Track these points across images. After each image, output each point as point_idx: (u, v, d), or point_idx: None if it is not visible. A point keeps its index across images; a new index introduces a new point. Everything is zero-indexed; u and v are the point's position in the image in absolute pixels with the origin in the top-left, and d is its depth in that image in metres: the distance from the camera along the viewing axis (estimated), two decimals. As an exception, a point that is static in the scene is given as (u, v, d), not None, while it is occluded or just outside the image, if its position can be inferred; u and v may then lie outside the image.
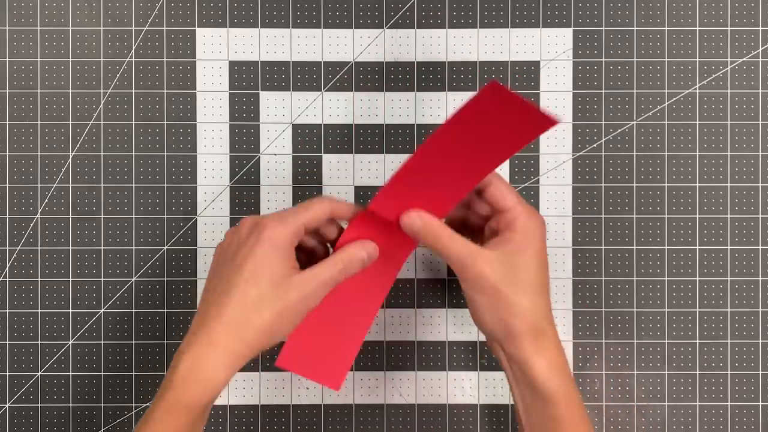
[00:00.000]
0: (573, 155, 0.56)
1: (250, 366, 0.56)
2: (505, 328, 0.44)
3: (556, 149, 0.56)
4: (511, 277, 0.44)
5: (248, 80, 0.56)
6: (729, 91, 0.56)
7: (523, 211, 0.45)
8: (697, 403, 0.56)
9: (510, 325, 0.44)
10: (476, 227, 0.49)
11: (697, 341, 0.56)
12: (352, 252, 0.45)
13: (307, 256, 0.48)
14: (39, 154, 0.56)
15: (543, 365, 0.44)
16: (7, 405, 0.55)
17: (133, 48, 0.56)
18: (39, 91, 0.56)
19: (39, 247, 0.56)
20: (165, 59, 0.56)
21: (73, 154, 0.56)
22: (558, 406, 0.44)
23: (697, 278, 0.56)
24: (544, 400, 0.44)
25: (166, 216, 0.56)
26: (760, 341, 0.56)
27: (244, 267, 0.42)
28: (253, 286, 0.42)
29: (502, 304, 0.44)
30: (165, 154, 0.56)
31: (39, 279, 0.56)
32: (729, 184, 0.56)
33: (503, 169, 0.56)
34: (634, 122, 0.56)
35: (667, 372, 0.56)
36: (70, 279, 0.56)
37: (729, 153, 0.56)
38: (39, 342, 0.56)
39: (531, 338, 0.44)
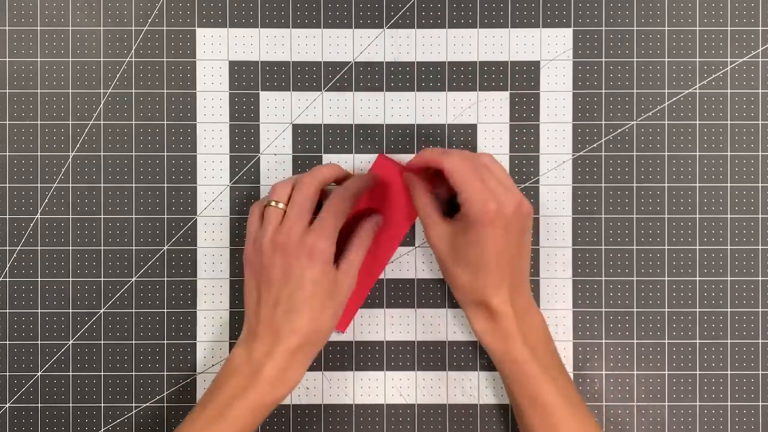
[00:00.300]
0: (573, 155, 0.56)
1: (250, 366, 0.56)
2: (455, 294, 0.52)
3: (556, 149, 0.56)
4: (454, 252, 0.50)
5: (248, 80, 0.56)
6: (729, 91, 0.56)
7: (477, 198, 0.48)
8: (697, 403, 0.56)
9: (455, 292, 0.52)
10: None
11: (697, 341, 0.56)
12: (369, 230, 0.52)
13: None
14: (39, 154, 0.56)
15: (478, 327, 0.51)
16: (7, 405, 0.55)
17: (133, 48, 0.56)
18: (39, 91, 0.56)
19: (39, 247, 0.56)
20: (165, 59, 0.56)
21: (73, 154, 0.56)
22: (500, 363, 0.50)
23: (697, 278, 0.56)
24: (492, 358, 0.51)
25: (166, 216, 0.56)
26: (760, 341, 0.56)
27: (303, 286, 0.48)
28: (315, 301, 0.48)
29: (446, 273, 0.51)
30: (165, 154, 0.56)
31: (39, 279, 0.56)
32: (729, 184, 0.56)
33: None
34: (634, 122, 0.56)
35: (667, 372, 0.56)
36: (70, 279, 0.56)
37: (729, 153, 0.56)
38: (39, 342, 0.56)
39: (471, 308, 0.51)
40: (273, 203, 0.50)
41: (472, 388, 0.56)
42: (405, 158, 0.56)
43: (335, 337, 0.56)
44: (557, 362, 0.50)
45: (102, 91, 0.56)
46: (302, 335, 0.48)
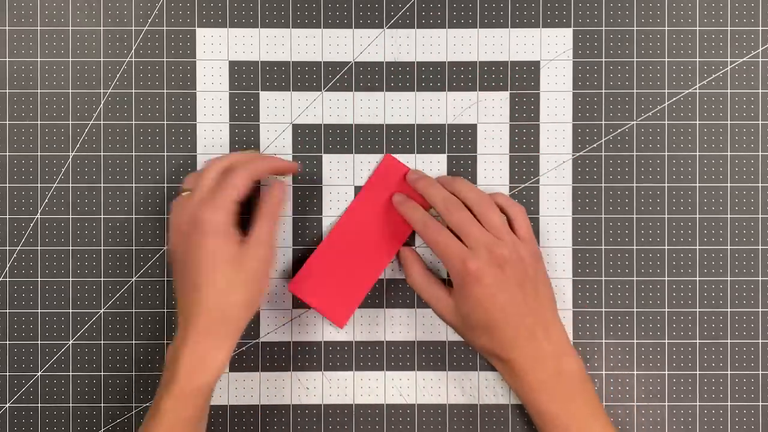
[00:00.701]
0: (573, 155, 0.56)
1: (251, 366, 0.56)
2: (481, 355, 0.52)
3: (556, 149, 0.56)
4: (463, 320, 0.50)
5: (248, 80, 0.56)
6: (729, 91, 0.56)
7: (455, 261, 0.49)
8: (697, 403, 0.56)
9: (481, 354, 0.52)
10: None
11: (697, 341, 0.56)
12: (275, 196, 0.50)
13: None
14: (39, 154, 0.56)
15: (508, 382, 0.51)
16: (7, 405, 0.55)
17: (133, 48, 0.56)
18: (39, 91, 0.56)
19: (39, 247, 0.56)
20: (165, 59, 0.56)
21: (73, 154, 0.56)
22: (532, 416, 0.50)
23: (697, 278, 0.56)
24: (528, 410, 0.51)
25: (166, 216, 0.56)
26: (760, 341, 0.56)
27: (200, 261, 0.46)
28: (216, 275, 0.46)
29: (465, 340, 0.52)
30: (165, 154, 0.56)
31: (39, 279, 0.56)
32: (729, 184, 0.56)
33: (502, 171, 0.56)
34: (634, 122, 0.56)
35: (667, 372, 0.56)
36: (70, 279, 0.56)
37: (729, 153, 0.56)
38: (39, 342, 0.56)
39: (498, 365, 0.51)
40: (185, 193, 0.50)
41: (472, 388, 0.56)
42: (405, 158, 0.56)
43: (335, 336, 0.56)
44: (593, 411, 0.49)
45: (102, 91, 0.56)
46: (211, 312, 0.46)
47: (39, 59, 0.56)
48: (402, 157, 0.56)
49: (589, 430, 0.48)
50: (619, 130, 0.56)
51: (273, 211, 0.49)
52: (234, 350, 0.49)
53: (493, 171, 0.56)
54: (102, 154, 0.56)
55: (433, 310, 0.52)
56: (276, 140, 0.56)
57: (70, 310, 0.56)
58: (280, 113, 0.56)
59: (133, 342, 0.56)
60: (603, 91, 0.56)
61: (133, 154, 0.56)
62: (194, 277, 0.46)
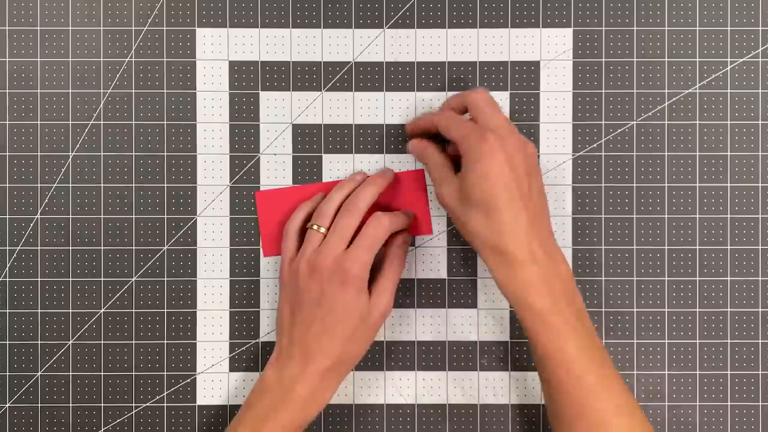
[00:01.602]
0: (573, 155, 0.56)
1: (251, 366, 0.56)
2: (472, 243, 0.49)
3: (556, 149, 0.56)
4: (463, 197, 0.49)
5: (248, 80, 0.56)
6: (729, 91, 0.56)
7: (475, 134, 0.48)
8: (697, 403, 0.56)
9: (472, 241, 0.49)
10: None
11: (697, 341, 0.56)
12: (400, 254, 0.53)
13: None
14: (39, 154, 0.56)
15: (497, 275, 0.48)
16: (7, 405, 0.55)
17: (133, 48, 0.56)
18: (39, 91, 0.56)
19: (39, 247, 0.56)
20: (165, 59, 0.56)
21: (73, 154, 0.56)
22: (520, 314, 0.48)
23: (697, 278, 0.56)
24: (513, 307, 0.49)
25: (166, 216, 0.56)
26: (760, 341, 0.56)
27: (336, 310, 0.49)
28: (347, 325, 0.49)
29: (459, 223, 0.50)
30: (165, 154, 0.56)
31: (39, 279, 0.56)
32: (729, 184, 0.56)
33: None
34: (634, 122, 0.56)
35: (667, 372, 0.56)
36: (70, 279, 0.56)
37: (729, 153, 0.56)
38: (39, 342, 0.56)
39: (488, 255, 0.48)
40: (315, 227, 0.51)
41: (472, 388, 0.56)
42: (405, 158, 0.56)
43: (335, 337, 0.56)
44: (581, 315, 0.48)
45: (102, 91, 0.56)
46: (333, 357, 0.49)
47: (39, 59, 0.56)
48: (402, 157, 0.56)
49: (577, 329, 0.47)
50: (619, 130, 0.56)
51: (399, 268, 0.52)
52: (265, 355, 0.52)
53: (493, 171, 0.56)
54: (102, 154, 0.56)
55: (438, 190, 0.50)
56: (276, 140, 0.56)
57: (70, 310, 0.56)
58: (280, 113, 0.56)
59: (133, 342, 0.56)
60: (603, 91, 0.56)
61: (133, 154, 0.56)
62: (326, 323, 0.49)
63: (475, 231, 0.48)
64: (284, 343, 0.50)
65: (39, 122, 0.56)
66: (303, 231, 0.53)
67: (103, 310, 0.56)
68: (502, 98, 0.56)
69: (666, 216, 0.56)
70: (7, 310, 0.56)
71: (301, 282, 0.50)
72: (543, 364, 0.47)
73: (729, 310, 0.56)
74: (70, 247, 0.56)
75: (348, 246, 0.50)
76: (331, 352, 0.49)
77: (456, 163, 0.51)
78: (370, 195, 0.52)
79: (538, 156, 0.56)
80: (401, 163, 0.56)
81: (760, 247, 0.56)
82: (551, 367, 0.47)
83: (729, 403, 0.56)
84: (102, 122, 0.56)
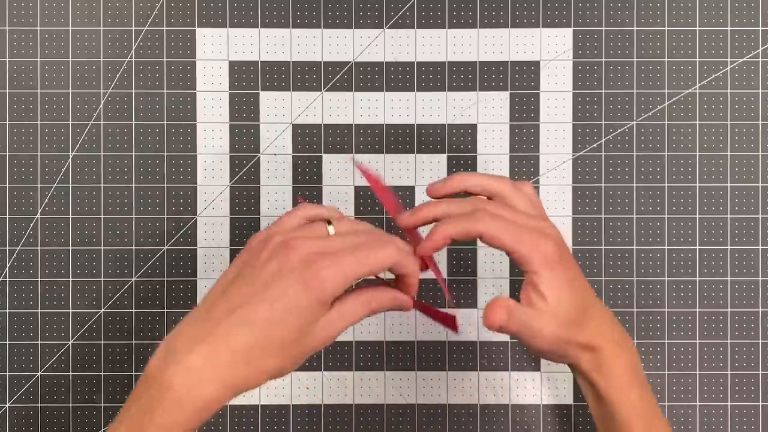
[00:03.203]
0: (573, 155, 0.56)
1: (250, 366, 0.56)
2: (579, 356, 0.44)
3: (556, 149, 0.56)
4: (566, 322, 0.42)
5: (248, 80, 0.56)
6: (729, 91, 0.56)
7: (529, 246, 0.42)
8: (697, 403, 0.56)
9: (575, 359, 0.44)
10: None
11: (697, 341, 0.56)
12: (385, 298, 0.42)
13: None
14: (39, 154, 0.56)
15: (594, 380, 0.44)
16: (7, 405, 0.55)
17: (133, 48, 0.56)
18: (39, 91, 0.56)
19: (39, 247, 0.56)
20: (165, 59, 0.56)
21: (73, 154, 0.56)
22: (622, 404, 0.44)
23: (697, 278, 0.56)
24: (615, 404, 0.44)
25: (166, 216, 0.56)
26: (760, 341, 0.56)
27: (275, 305, 0.38)
28: (279, 329, 0.39)
29: (565, 354, 0.44)
30: (165, 154, 0.56)
31: (39, 279, 0.56)
32: (729, 184, 0.56)
33: (502, 171, 0.56)
34: (634, 122, 0.56)
35: (667, 372, 0.56)
36: (70, 279, 0.56)
37: (729, 153, 0.56)
38: (39, 342, 0.56)
39: (586, 362, 0.44)
40: (327, 224, 0.42)
41: (472, 388, 0.56)
42: (405, 158, 0.56)
43: (335, 337, 0.56)
44: (652, 396, 0.45)
45: (102, 91, 0.56)
46: (237, 358, 0.38)
47: (39, 59, 0.56)
48: (402, 157, 0.56)
49: (659, 420, 0.45)
50: (619, 130, 0.56)
51: (373, 306, 0.41)
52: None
53: (493, 171, 0.56)
54: (102, 154, 0.56)
55: (528, 333, 0.42)
56: (276, 140, 0.56)
57: (70, 310, 0.56)
58: (280, 113, 0.56)
59: (133, 342, 0.56)
60: (603, 91, 0.56)
61: (133, 154, 0.56)
62: (256, 313, 0.38)
63: (580, 343, 0.43)
64: (195, 315, 0.40)
65: (39, 122, 0.56)
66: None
67: (103, 310, 0.56)
68: (502, 98, 0.56)
69: (666, 216, 0.56)
70: (7, 310, 0.56)
71: (264, 255, 0.40)
72: None
73: (729, 310, 0.56)
74: (70, 247, 0.56)
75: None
76: (240, 350, 0.38)
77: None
78: (389, 262, 0.40)
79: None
80: (401, 163, 0.56)
81: (760, 247, 0.56)
82: None
83: (729, 403, 0.56)
84: (102, 122, 0.56)
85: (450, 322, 0.44)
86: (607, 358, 0.43)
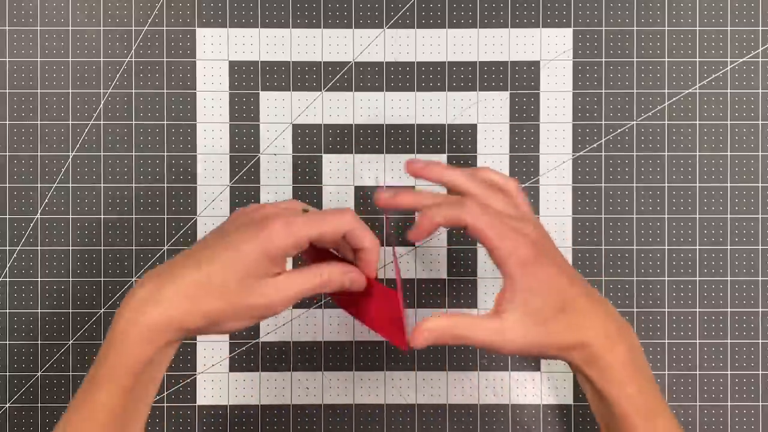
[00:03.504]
0: (573, 155, 0.56)
1: (251, 366, 0.56)
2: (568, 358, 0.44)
3: (556, 149, 0.56)
4: (537, 321, 0.42)
5: (248, 80, 0.56)
6: (729, 91, 0.56)
7: (510, 246, 0.42)
8: (697, 403, 0.56)
9: (568, 356, 0.43)
10: None
11: (697, 341, 0.56)
12: (337, 272, 0.42)
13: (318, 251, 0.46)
14: (39, 154, 0.56)
15: (588, 374, 0.43)
16: (7, 405, 0.55)
17: (133, 48, 0.56)
18: (39, 91, 0.56)
19: (39, 247, 0.56)
20: (165, 59, 0.56)
21: (73, 154, 0.56)
22: (620, 404, 0.43)
23: (697, 278, 0.56)
24: (614, 404, 0.43)
25: (166, 216, 0.56)
26: (760, 341, 0.56)
27: (224, 254, 0.40)
28: (222, 272, 0.40)
29: (544, 349, 0.43)
30: (165, 154, 0.56)
31: (39, 279, 0.56)
32: (729, 184, 0.56)
33: (502, 171, 0.56)
34: (634, 122, 0.56)
35: (667, 372, 0.56)
36: (70, 279, 0.56)
37: (729, 153, 0.56)
38: (39, 342, 0.56)
39: (576, 358, 0.43)
40: (305, 209, 0.44)
41: (472, 388, 0.56)
42: (406, 157, 0.56)
43: (335, 336, 0.56)
44: (657, 390, 0.44)
45: (102, 91, 0.56)
46: (181, 289, 0.40)
47: (39, 59, 0.56)
48: (402, 157, 0.56)
49: (662, 412, 0.44)
50: (619, 130, 0.56)
51: (325, 278, 0.42)
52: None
53: (493, 171, 0.56)
54: (102, 154, 0.56)
55: (494, 345, 0.42)
56: (276, 140, 0.56)
57: (70, 310, 0.56)
58: (280, 113, 0.56)
59: (133, 342, 0.56)
60: (603, 91, 0.56)
61: (133, 154, 0.56)
62: (205, 254, 0.40)
63: (559, 342, 0.42)
64: (163, 266, 0.42)
65: (39, 122, 0.56)
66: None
67: (103, 310, 0.56)
68: (502, 98, 0.56)
69: (666, 216, 0.56)
70: (7, 310, 0.56)
71: (240, 215, 0.43)
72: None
73: (729, 310, 0.56)
74: (70, 247, 0.56)
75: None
76: (184, 285, 0.39)
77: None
78: (342, 227, 0.41)
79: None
80: (401, 163, 0.56)
81: (760, 247, 0.56)
82: None
83: (729, 403, 0.56)
84: (102, 122, 0.56)
85: (394, 302, 0.43)
86: (599, 352, 0.43)
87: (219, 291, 0.40)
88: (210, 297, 0.40)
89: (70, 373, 0.56)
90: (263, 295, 0.40)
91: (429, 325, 0.42)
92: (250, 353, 0.56)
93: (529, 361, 0.56)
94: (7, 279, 0.56)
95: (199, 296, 0.40)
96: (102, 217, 0.56)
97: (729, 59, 0.56)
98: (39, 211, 0.56)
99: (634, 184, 0.56)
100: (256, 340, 0.56)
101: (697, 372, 0.56)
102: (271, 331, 0.56)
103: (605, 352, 0.43)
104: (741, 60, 0.56)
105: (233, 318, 0.41)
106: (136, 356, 0.39)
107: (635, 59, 0.56)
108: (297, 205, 0.44)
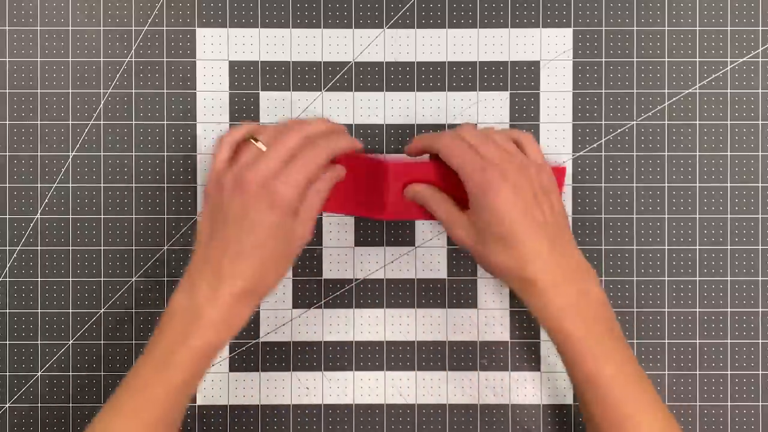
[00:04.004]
0: (573, 155, 0.56)
1: (251, 366, 0.56)
2: (504, 280, 0.49)
3: (556, 149, 0.56)
4: (479, 236, 0.48)
5: (248, 80, 0.56)
6: (729, 91, 0.56)
7: (474, 167, 0.47)
8: (697, 403, 0.56)
9: (502, 278, 0.49)
10: None
11: (697, 341, 0.56)
12: (327, 179, 0.48)
13: None
14: (39, 154, 0.56)
15: (529, 305, 0.48)
16: (7, 405, 0.55)
17: (133, 48, 0.56)
18: (39, 91, 0.56)
19: (39, 247, 0.56)
20: (165, 59, 0.56)
21: (73, 154, 0.56)
22: (554, 339, 0.47)
23: (697, 278, 0.56)
24: (548, 334, 0.48)
25: (166, 216, 0.56)
26: (760, 341, 0.56)
27: (257, 232, 0.45)
28: (267, 250, 0.45)
29: (483, 262, 0.49)
30: (165, 154, 0.56)
31: (39, 279, 0.56)
32: (729, 184, 0.56)
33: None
34: (634, 122, 0.56)
35: (667, 372, 0.56)
36: (70, 279, 0.56)
37: (729, 153, 0.56)
38: (39, 342, 0.56)
39: (519, 288, 0.48)
40: (254, 140, 0.47)
41: (472, 388, 0.56)
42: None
43: (335, 337, 0.56)
44: (616, 337, 0.47)
45: (102, 91, 0.56)
46: (248, 282, 0.45)
47: (39, 59, 0.56)
48: (402, 157, 0.56)
49: (614, 355, 0.46)
50: (619, 130, 0.56)
51: (322, 194, 0.48)
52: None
53: (493, 171, 0.56)
54: (102, 154, 0.56)
55: (452, 233, 0.49)
56: (276, 140, 0.56)
57: (70, 310, 0.56)
58: (280, 113, 0.56)
59: (133, 342, 0.56)
60: (603, 91, 0.56)
61: (133, 154, 0.56)
62: (244, 245, 0.45)
63: (499, 265, 0.47)
64: (198, 261, 0.46)
65: (39, 122, 0.56)
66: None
67: (103, 310, 0.56)
68: (502, 98, 0.56)
69: (666, 216, 0.56)
70: (7, 310, 0.56)
71: (225, 197, 0.46)
72: (582, 388, 0.47)
73: (729, 310, 0.56)
74: (70, 247, 0.56)
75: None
76: (247, 276, 0.45)
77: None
78: (321, 127, 0.48)
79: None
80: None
81: (760, 247, 0.56)
82: (590, 391, 0.46)
83: (729, 403, 0.56)
84: (102, 122, 0.56)
85: (381, 171, 0.50)
86: (544, 289, 0.46)
87: (274, 265, 0.46)
88: (271, 273, 0.46)
89: (70, 373, 0.56)
90: (298, 236, 0.47)
91: (416, 186, 0.51)
92: (250, 353, 0.56)
93: (529, 361, 0.56)
94: (7, 279, 0.56)
95: (264, 278, 0.46)
96: (102, 217, 0.56)
97: (729, 59, 0.56)
98: (39, 211, 0.56)
99: (634, 184, 0.56)
100: (256, 340, 0.56)
101: (697, 372, 0.56)
102: (271, 331, 0.56)
103: (547, 288, 0.46)
104: (741, 60, 0.56)
105: (287, 268, 0.48)
106: (224, 344, 0.46)
107: (635, 59, 0.56)
108: (250, 150, 0.47)
